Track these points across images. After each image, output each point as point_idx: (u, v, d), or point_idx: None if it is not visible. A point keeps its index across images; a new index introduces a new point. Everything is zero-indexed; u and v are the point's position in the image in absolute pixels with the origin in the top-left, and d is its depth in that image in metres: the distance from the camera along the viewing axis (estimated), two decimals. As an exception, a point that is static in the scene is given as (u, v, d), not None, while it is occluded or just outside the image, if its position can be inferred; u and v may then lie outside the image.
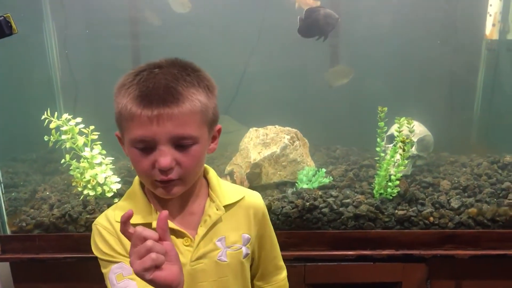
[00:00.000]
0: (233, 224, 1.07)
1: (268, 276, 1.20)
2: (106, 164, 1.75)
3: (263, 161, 1.81)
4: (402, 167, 1.69)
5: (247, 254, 1.08)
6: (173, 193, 0.95)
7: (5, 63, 2.12)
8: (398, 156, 1.69)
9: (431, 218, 1.64)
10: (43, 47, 2.20)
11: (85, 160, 1.72)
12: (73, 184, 1.76)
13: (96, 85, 2.32)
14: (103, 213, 1.06)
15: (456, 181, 1.80)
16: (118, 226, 0.87)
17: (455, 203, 1.66)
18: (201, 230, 1.02)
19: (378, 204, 1.65)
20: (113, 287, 0.97)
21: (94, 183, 1.71)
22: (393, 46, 2.25)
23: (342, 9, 2.01)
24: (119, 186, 1.75)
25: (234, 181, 1.79)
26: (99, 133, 1.71)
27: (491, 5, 2.16)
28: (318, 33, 1.83)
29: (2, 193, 1.72)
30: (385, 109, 1.66)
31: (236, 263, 1.06)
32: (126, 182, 1.80)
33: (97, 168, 1.73)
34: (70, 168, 1.75)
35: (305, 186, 1.76)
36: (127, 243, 0.95)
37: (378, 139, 1.72)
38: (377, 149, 1.74)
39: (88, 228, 1.63)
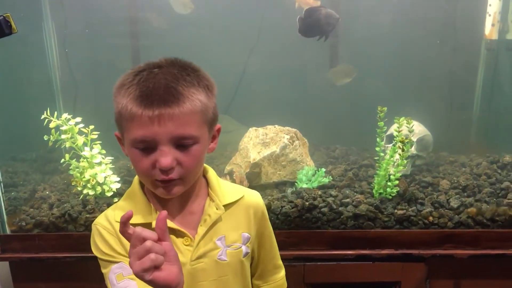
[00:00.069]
0: (233, 223, 1.07)
1: (267, 275, 1.20)
2: (106, 164, 1.75)
3: (262, 161, 1.81)
4: (401, 167, 1.69)
5: (247, 253, 1.08)
6: (174, 193, 0.95)
7: (5, 63, 2.13)
8: (397, 156, 1.69)
9: (431, 218, 1.64)
10: (43, 47, 2.20)
11: (85, 160, 1.72)
12: (72, 184, 1.76)
13: (96, 85, 2.32)
14: (103, 213, 1.06)
15: (456, 181, 1.80)
16: (118, 226, 0.87)
17: (454, 203, 1.66)
18: (201, 230, 1.02)
19: (378, 203, 1.65)
20: (113, 287, 0.97)
21: (93, 182, 1.71)
22: (392, 46, 2.25)
23: (342, 8, 2.01)
24: (118, 185, 1.75)
25: (233, 181, 1.79)
26: (98, 132, 1.71)
27: (490, 5, 2.16)
28: (319, 33, 1.83)
29: (2, 193, 1.72)
30: (385, 108, 1.66)
31: (236, 262, 1.06)
32: (126, 182, 1.81)
33: (97, 167, 1.73)
34: (70, 168, 1.75)
35: (304, 185, 1.76)
36: (127, 243, 0.94)
37: (378, 139, 1.72)
38: (377, 148, 1.74)
39: (88, 227, 1.63)
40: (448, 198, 1.70)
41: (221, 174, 1.88)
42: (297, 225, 1.65)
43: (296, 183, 1.80)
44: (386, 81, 2.29)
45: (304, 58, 2.30)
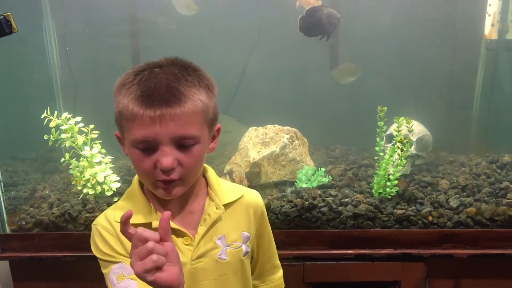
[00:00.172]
0: (233, 223, 1.07)
1: (265, 275, 1.20)
2: (106, 163, 1.76)
3: (262, 160, 1.81)
4: (401, 167, 1.69)
5: (247, 252, 1.08)
6: (174, 194, 0.95)
7: (5, 62, 2.13)
8: (396, 156, 1.69)
9: (430, 218, 1.64)
10: (43, 46, 2.20)
11: (85, 159, 1.72)
12: (72, 183, 1.76)
13: (96, 84, 2.32)
14: (103, 213, 1.06)
15: (455, 181, 1.80)
16: (118, 226, 0.87)
17: (454, 203, 1.67)
18: (201, 229, 1.02)
19: (377, 203, 1.65)
20: (113, 287, 0.97)
21: (93, 182, 1.71)
22: (392, 45, 2.25)
23: (342, 8, 2.01)
24: (118, 185, 1.75)
25: (233, 180, 1.80)
26: (98, 132, 1.71)
27: (490, 5, 2.16)
28: (320, 33, 1.83)
29: (2, 192, 1.72)
30: (385, 108, 1.66)
31: (236, 261, 1.06)
32: (126, 181, 1.81)
33: (97, 167, 1.73)
34: (70, 167, 1.75)
35: (304, 185, 1.76)
36: (127, 243, 0.95)
37: (378, 139, 1.73)
38: (376, 148, 1.74)
39: (88, 226, 1.63)
40: (447, 198, 1.70)
41: (220, 173, 1.88)
42: (297, 225, 1.65)
43: (295, 183, 1.80)
44: (386, 81, 2.29)
45: (304, 58, 2.30)
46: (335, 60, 2.26)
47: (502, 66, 2.29)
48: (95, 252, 1.02)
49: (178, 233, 1.01)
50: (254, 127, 1.92)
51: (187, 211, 1.04)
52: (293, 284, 1.60)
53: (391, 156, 1.70)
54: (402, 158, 1.68)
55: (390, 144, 1.79)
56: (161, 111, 0.87)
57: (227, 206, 1.06)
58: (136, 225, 0.80)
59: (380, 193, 1.70)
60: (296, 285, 1.63)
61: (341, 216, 1.64)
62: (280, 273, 1.23)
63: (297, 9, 1.92)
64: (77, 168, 1.74)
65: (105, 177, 1.73)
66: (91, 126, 1.71)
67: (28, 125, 2.08)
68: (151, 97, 0.88)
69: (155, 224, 0.98)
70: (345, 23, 1.86)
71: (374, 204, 1.65)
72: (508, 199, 1.68)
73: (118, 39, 2.23)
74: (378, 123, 1.68)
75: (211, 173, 1.09)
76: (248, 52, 2.28)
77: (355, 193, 1.72)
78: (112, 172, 1.77)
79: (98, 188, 1.73)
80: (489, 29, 2.19)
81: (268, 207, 1.60)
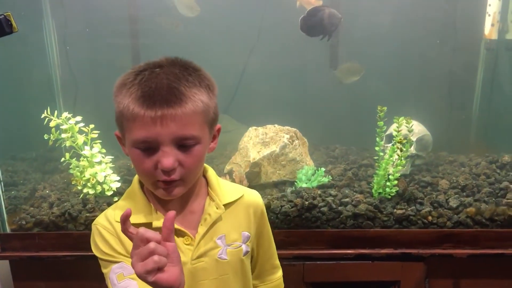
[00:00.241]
0: (233, 222, 1.07)
1: (264, 275, 1.20)
2: (106, 163, 1.76)
3: (262, 160, 1.81)
4: (401, 167, 1.70)
5: (247, 252, 1.09)
6: (174, 194, 0.95)
7: (5, 62, 2.12)
8: (396, 156, 1.69)
9: (430, 217, 1.64)
10: (43, 46, 2.20)
11: (85, 159, 1.72)
12: (72, 183, 1.76)
13: (96, 84, 2.32)
14: (103, 213, 1.06)
15: (455, 181, 1.81)
16: (118, 226, 0.87)
17: (453, 203, 1.67)
18: (202, 229, 1.02)
19: (377, 203, 1.65)
20: (114, 287, 0.97)
21: (93, 181, 1.71)
22: (392, 45, 2.25)
23: (342, 8, 2.01)
24: (118, 184, 1.75)
25: (233, 180, 1.80)
26: (98, 131, 1.71)
27: (490, 5, 2.16)
28: (322, 33, 1.83)
29: (2, 192, 1.72)
30: (385, 108, 1.66)
31: (236, 261, 1.06)
32: (126, 181, 1.81)
33: (97, 166, 1.73)
34: (70, 167, 1.75)
35: (304, 185, 1.76)
36: (128, 243, 0.95)
37: (377, 139, 1.73)
38: (376, 148, 1.74)
39: (88, 226, 1.64)
40: (447, 197, 1.70)
41: (220, 173, 1.88)
42: (297, 225, 1.65)
43: (295, 183, 1.81)
44: (386, 81, 2.29)
45: (304, 58, 2.30)
46: (335, 60, 2.26)
47: (502, 66, 2.29)
48: (95, 251, 1.02)
49: (179, 233, 1.01)
50: (254, 127, 1.93)
51: (188, 211, 1.04)
52: (293, 284, 1.60)
53: (391, 156, 1.70)
54: (402, 158, 1.68)
55: (390, 144, 1.79)
56: (162, 112, 0.87)
57: (227, 206, 1.06)
58: (136, 225, 0.80)
59: (380, 193, 1.70)
60: (296, 285, 1.63)
61: (341, 216, 1.64)
62: (279, 273, 1.23)
63: (298, 9, 1.92)
64: (77, 168, 1.74)
65: (105, 176, 1.73)
66: (91, 125, 1.71)
67: (28, 124, 2.08)
68: (152, 98, 0.87)
69: (155, 224, 0.98)
70: (345, 23, 1.86)
71: (374, 204, 1.65)
72: (507, 199, 1.68)
73: (118, 39, 2.23)
74: (378, 123, 1.68)
75: (211, 173, 1.09)
76: (248, 52, 2.28)
77: (355, 193, 1.72)
78: (112, 172, 1.77)
79: (98, 187, 1.73)
80: (489, 29, 2.19)
81: (268, 207, 1.60)
